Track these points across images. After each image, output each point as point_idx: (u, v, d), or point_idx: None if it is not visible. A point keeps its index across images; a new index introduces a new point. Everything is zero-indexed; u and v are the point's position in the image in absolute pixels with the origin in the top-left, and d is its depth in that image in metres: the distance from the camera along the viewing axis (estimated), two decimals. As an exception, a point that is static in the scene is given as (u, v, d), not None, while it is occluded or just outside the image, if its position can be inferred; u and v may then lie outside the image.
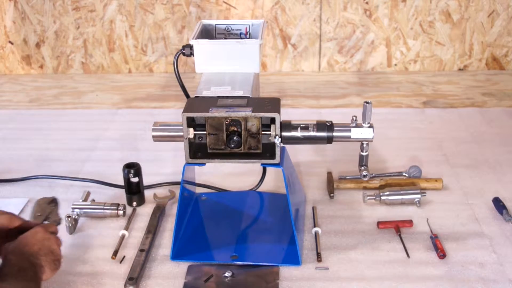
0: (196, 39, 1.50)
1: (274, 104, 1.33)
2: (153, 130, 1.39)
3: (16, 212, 1.60)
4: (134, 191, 1.64)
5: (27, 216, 1.57)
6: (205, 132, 1.33)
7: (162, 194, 1.66)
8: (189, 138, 1.31)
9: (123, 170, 1.62)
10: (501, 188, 1.68)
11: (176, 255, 1.42)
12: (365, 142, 1.37)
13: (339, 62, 2.57)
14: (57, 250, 1.25)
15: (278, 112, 1.29)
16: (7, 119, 2.22)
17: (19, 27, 2.56)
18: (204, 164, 1.35)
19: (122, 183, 1.65)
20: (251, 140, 1.33)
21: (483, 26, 2.48)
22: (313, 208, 1.60)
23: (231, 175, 1.76)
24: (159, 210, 1.58)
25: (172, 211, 1.60)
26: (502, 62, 2.55)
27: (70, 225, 1.51)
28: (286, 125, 1.34)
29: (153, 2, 2.49)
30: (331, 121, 1.36)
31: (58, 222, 1.54)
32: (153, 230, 1.50)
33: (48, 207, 1.53)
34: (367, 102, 1.33)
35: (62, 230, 1.53)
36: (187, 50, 1.50)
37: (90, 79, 2.58)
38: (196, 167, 1.47)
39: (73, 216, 1.53)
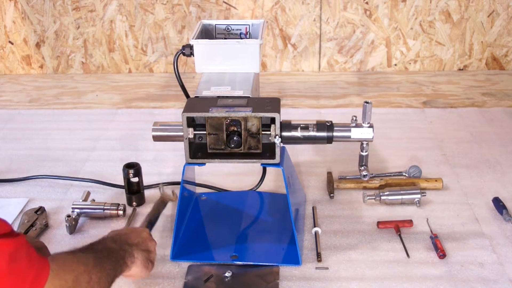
0: (196, 39, 1.51)
1: (274, 104, 1.33)
2: (153, 130, 1.39)
3: (16, 212, 1.60)
4: (134, 191, 1.64)
5: (16, 223, 1.56)
6: (205, 132, 1.33)
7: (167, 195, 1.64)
8: (189, 138, 1.31)
9: (123, 170, 1.62)
10: (501, 188, 1.68)
11: (176, 255, 1.42)
12: (365, 142, 1.37)
13: (339, 62, 2.57)
14: (153, 253, 1.27)
15: (278, 112, 1.29)
16: (7, 119, 2.22)
17: (19, 27, 2.56)
18: (204, 164, 1.35)
19: (122, 183, 1.65)
20: (251, 140, 1.33)
21: (483, 26, 2.48)
22: (313, 208, 1.60)
23: (231, 175, 1.76)
24: (163, 204, 1.55)
25: (172, 211, 1.60)
26: (502, 62, 2.55)
27: (70, 225, 1.51)
28: (286, 125, 1.34)
29: (153, 2, 2.49)
30: (331, 121, 1.36)
31: (45, 225, 1.54)
32: (153, 218, 1.44)
33: (34, 215, 1.54)
34: (367, 102, 1.33)
35: (62, 231, 1.54)
36: (187, 50, 1.50)
37: (90, 79, 2.58)
38: (196, 167, 1.47)
39: (73, 216, 1.53)
